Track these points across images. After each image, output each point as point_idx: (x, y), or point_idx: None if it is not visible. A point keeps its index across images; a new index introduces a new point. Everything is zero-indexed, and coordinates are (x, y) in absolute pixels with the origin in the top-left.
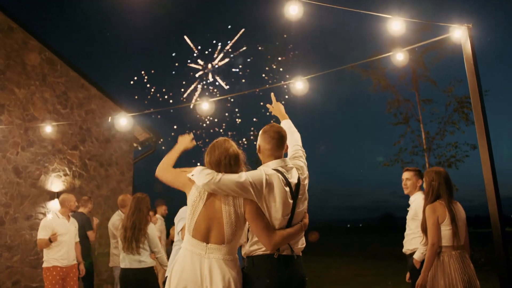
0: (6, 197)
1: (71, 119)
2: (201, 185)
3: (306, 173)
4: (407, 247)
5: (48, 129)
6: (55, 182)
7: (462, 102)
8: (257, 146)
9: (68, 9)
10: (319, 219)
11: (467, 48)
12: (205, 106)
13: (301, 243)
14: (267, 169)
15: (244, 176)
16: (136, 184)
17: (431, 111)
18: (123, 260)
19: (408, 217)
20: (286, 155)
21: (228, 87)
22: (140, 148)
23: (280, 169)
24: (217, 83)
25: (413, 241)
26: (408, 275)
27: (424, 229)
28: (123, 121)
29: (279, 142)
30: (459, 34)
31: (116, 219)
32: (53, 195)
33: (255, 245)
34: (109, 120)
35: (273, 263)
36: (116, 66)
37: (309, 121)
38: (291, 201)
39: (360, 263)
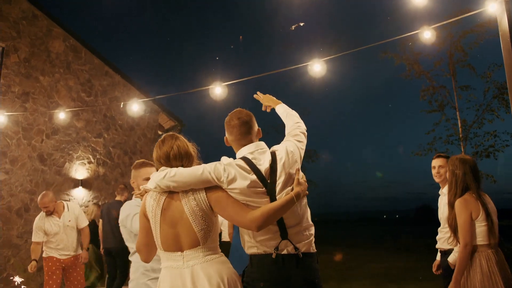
0: (31, 184)
1: (95, 106)
2: (155, 184)
3: (297, 153)
4: (443, 245)
5: (72, 116)
6: (80, 170)
7: (502, 88)
8: (224, 139)
9: None
10: (354, 210)
11: (504, 23)
12: (218, 90)
13: (307, 236)
14: (225, 158)
15: (202, 167)
16: None
17: (468, 98)
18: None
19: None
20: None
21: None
22: None
23: (249, 155)
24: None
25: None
26: (435, 267)
27: (453, 227)
28: (137, 107)
29: (242, 128)
30: (494, 7)
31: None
32: (78, 183)
33: (246, 242)
34: (121, 106)
35: (270, 264)
36: (141, 52)
37: (342, 109)
38: (262, 190)
39: (394, 256)
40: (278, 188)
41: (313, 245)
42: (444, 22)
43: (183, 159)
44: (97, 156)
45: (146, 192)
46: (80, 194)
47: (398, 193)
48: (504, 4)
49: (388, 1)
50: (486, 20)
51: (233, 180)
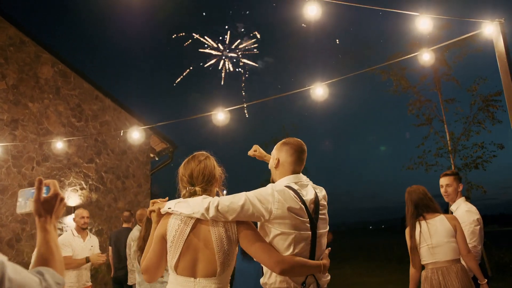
0: (22, 214)
1: (86, 131)
2: (194, 214)
3: (324, 193)
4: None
5: (63, 143)
6: (72, 197)
7: (488, 100)
8: (274, 160)
9: (79, 21)
10: (341, 222)
11: (500, 44)
12: (220, 116)
13: (326, 278)
14: (276, 185)
15: (244, 196)
16: (155, 195)
17: (455, 111)
18: (142, 283)
19: None
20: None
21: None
22: (157, 159)
23: (293, 185)
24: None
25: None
26: None
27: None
28: (136, 134)
29: (302, 155)
30: (490, 30)
31: (136, 235)
32: (70, 210)
33: (271, 274)
34: (121, 134)
35: None
36: (129, 76)
37: (330, 124)
38: (306, 220)
39: (387, 268)
40: (319, 223)
41: (328, 278)
42: (441, 45)
43: (205, 179)
44: (89, 182)
45: (162, 214)
46: (73, 221)
47: (386, 203)
48: (499, 26)
49: (380, 24)
50: (469, 35)
51: (283, 208)
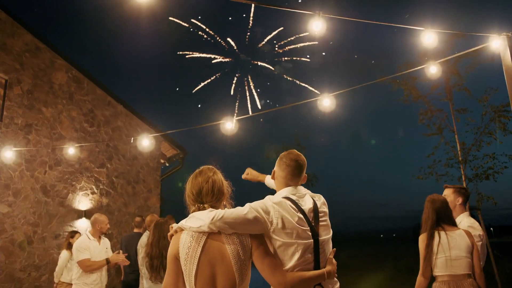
0: (34, 216)
1: (98, 137)
2: (204, 224)
3: (322, 200)
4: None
5: (75, 148)
6: (83, 201)
7: (499, 111)
8: (272, 172)
9: (92, 28)
10: (353, 230)
11: (507, 58)
12: (229, 125)
13: (336, 284)
14: (274, 197)
15: (248, 207)
16: (166, 199)
17: (466, 121)
18: None
19: None
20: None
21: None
22: (167, 165)
23: (291, 196)
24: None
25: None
26: None
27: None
28: (146, 142)
29: (296, 170)
30: (497, 44)
31: (145, 240)
32: (81, 214)
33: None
34: (132, 141)
35: None
36: (141, 83)
37: (340, 133)
38: (307, 228)
39: (400, 279)
40: (320, 230)
41: (338, 284)
42: (448, 58)
43: (214, 196)
44: (100, 187)
45: (176, 232)
46: (83, 225)
47: (396, 212)
48: (507, 40)
49: (387, 37)
50: (476, 49)
51: (281, 220)
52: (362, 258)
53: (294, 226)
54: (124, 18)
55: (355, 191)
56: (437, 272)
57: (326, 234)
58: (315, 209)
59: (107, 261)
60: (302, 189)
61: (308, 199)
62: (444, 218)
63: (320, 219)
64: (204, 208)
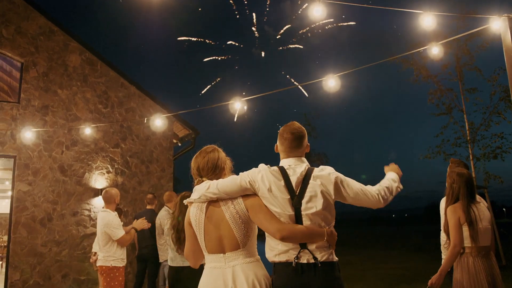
0: (53, 195)
1: (112, 117)
2: (200, 196)
3: (325, 172)
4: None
5: (91, 129)
6: (99, 180)
7: (508, 90)
8: (275, 146)
9: (105, 11)
10: (365, 209)
11: (507, 39)
12: (237, 105)
13: (327, 246)
14: (262, 165)
15: (240, 176)
16: (178, 178)
17: (474, 101)
18: (174, 259)
19: None
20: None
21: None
22: (180, 144)
23: (286, 165)
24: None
25: None
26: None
27: (447, 231)
28: (159, 122)
29: (294, 142)
30: (498, 25)
31: (164, 215)
32: (97, 192)
33: (270, 251)
34: (145, 121)
35: (290, 272)
36: (153, 63)
37: (352, 113)
38: (286, 197)
39: (405, 256)
40: (304, 201)
41: (333, 254)
42: (449, 39)
43: (210, 171)
44: (115, 166)
45: (189, 204)
46: (100, 203)
47: (408, 192)
48: (508, 21)
49: (394, 17)
50: (477, 30)
51: (264, 184)
52: (371, 237)
53: (276, 193)
54: (137, 2)
55: (365, 171)
56: (467, 243)
57: (314, 207)
58: (305, 178)
59: (135, 229)
60: (301, 161)
61: (299, 168)
62: (472, 191)
63: (308, 188)
64: (202, 181)
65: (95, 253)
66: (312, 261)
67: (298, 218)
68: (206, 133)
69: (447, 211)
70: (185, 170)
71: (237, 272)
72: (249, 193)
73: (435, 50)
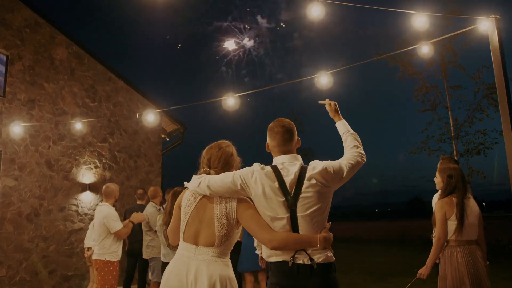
0: (40, 190)
1: (100, 112)
2: (193, 188)
3: (318, 169)
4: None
5: (79, 123)
6: (86, 174)
7: (491, 88)
8: (266, 145)
9: (93, 4)
10: (351, 204)
11: (494, 39)
12: (230, 101)
13: (323, 253)
14: (257, 164)
15: (232, 173)
16: (165, 174)
17: (458, 98)
18: (167, 255)
19: None
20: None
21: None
22: (168, 139)
23: (279, 165)
24: None
25: None
26: None
27: (434, 224)
28: (151, 117)
29: (285, 135)
30: (485, 25)
31: (152, 211)
32: (85, 187)
33: (266, 251)
34: (137, 116)
35: (286, 271)
36: (142, 57)
37: (341, 109)
38: (281, 200)
39: (390, 250)
40: (299, 202)
41: (330, 254)
42: (438, 39)
43: (222, 167)
44: (103, 161)
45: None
46: (88, 198)
47: (391, 186)
48: (495, 21)
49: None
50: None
51: (256, 185)
52: (357, 230)
53: (270, 196)
54: None
55: None
56: (451, 236)
57: (309, 208)
58: (299, 179)
59: (132, 223)
60: (295, 158)
61: (293, 168)
62: (465, 186)
63: (303, 189)
64: (209, 173)
65: (89, 248)
66: (309, 262)
67: (293, 220)
68: (194, 128)
69: (436, 205)
70: (174, 164)
71: (202, 267)
72: (242, 196)
73: (424, 49)
